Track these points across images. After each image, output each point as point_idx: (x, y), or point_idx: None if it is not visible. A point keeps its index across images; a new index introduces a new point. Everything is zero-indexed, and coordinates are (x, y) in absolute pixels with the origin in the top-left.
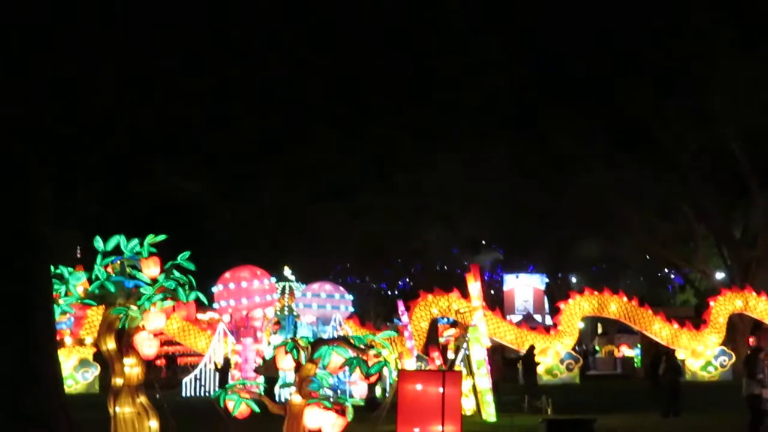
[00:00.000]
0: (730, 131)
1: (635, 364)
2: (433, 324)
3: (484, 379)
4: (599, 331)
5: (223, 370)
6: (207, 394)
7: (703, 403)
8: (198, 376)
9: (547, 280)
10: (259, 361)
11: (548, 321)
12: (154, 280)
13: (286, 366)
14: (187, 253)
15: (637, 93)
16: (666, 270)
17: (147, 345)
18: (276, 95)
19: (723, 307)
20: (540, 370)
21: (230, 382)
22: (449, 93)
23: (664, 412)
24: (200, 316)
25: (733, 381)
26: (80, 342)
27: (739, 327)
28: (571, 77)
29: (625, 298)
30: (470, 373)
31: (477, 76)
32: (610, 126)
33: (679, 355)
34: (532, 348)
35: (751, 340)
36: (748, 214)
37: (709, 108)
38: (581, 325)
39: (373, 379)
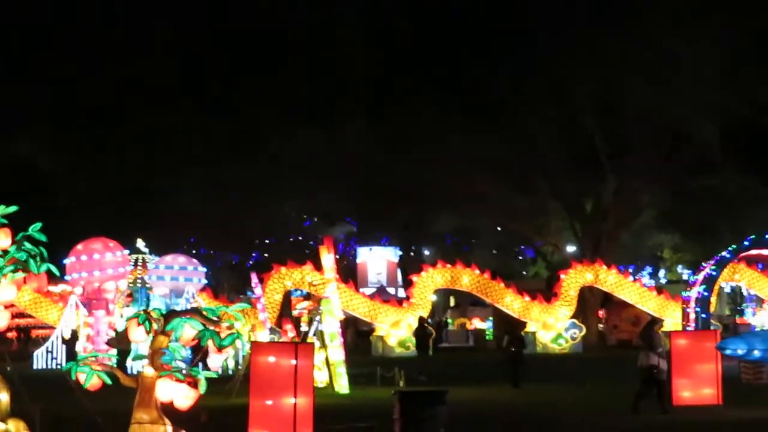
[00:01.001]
0: (583, 106)
1: (487, 337)
2: (287, 296)
3: (337, 352)
4: (452, 303)
5: (70, 343)
6: (58, 366)
7: (551, 375)
8: (49, 349)
9: (400, 252)
10: (112, 334)
11: (401, 293)
12: (5, 252)
13: (138, 338)
14: (38, 225)
15: (493, 67)
16: (518, 243)
17: None
18: (138, 65)
19: (574, 280)
20: (393, 342)
21: (80, 354)
22: (306, 66)
23: (514, 383)
24: (52, 288)
25: (584, 353)
26: None
27: (589, 300)
28: (428, 50)
29: (477, 271)
30: (323, 345)
31: (333, 49)
32: (466, 99)
33: (530, 327)
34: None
35: (600, 312)
36: (599, 189)
37: (564, 83)
38: (434, 297)
39: (225, 351)
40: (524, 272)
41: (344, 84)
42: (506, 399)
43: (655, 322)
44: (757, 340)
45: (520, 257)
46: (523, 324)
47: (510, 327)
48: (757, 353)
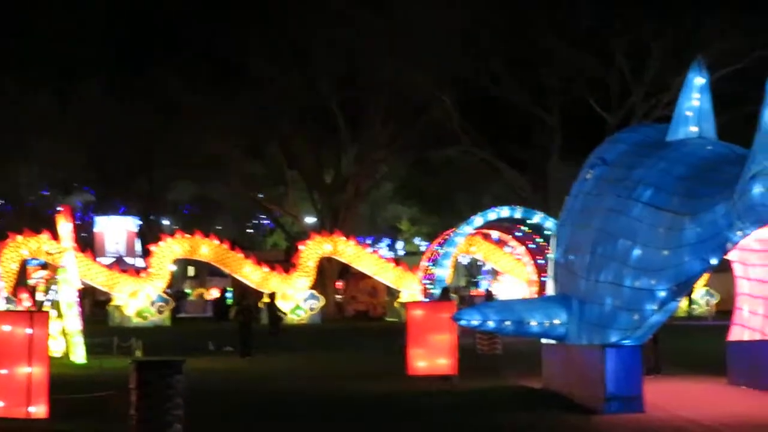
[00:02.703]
0: (323, 74)
1: None
2: (23, 265)
3: (73, 321)
4: (191, 273)
5: None
6: None
7: (289, 345)
8: None
9: (139, 222)
10: None
11: (140, 263)
12: None
13: None
14: None
15: (231, 34)
16: (258, 214)
17: None
18: None
19: (312, 251)
20: (130, 312)
21: None
22: (46, 28)
23: (242, 353)
24: None
25: (322, 324)
26: None
27: (327, 271)
28: (166, 14)
29: (216, 241)
30: (60, 314)
31: (72, 12)
32: (205, 67)
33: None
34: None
35: (339, 283)
36: (339, 160)
37: (303, 49)
38: (172, 267)
39: None
40: (263, 242)
41: (83, 49)
42: (241, 368)
43: (447, 292)
44: (492, 312)
45: (260, 228)
46: (261, 294)
47: (242, 297)
48: (491, 324)
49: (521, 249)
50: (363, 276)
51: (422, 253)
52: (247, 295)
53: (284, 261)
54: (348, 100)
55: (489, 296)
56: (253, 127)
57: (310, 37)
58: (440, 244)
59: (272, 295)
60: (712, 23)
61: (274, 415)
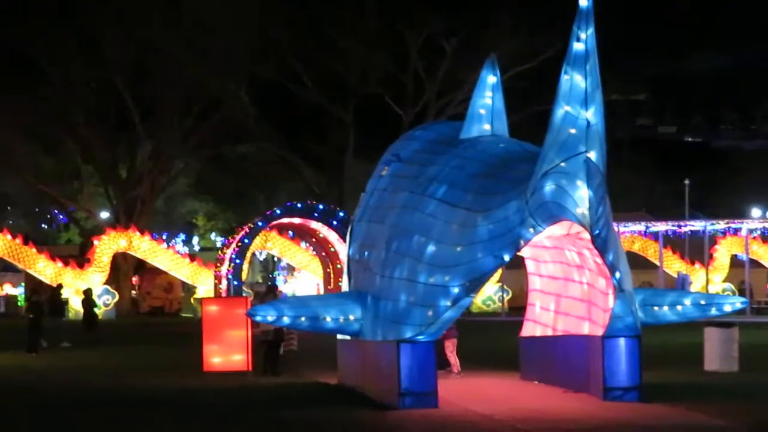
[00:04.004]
0: (116, 68)
1: (19, 303)
2: None
3: None
4: None
5: None
6: None
7: (82, 341)
8: None
9: None
10: None
11: None
12: None
13: None
14: None
15: (21, 26)
16: (51, 208)
17: None
18: None
19: (107, 246)
20: None
21: None
22: None
23: (29, 349)
24: None
25: (116, 319)
26: None
27: (122, 266)
28: None
29: (9, 236)
30: None
31: None
32: None
33: (64, 293)
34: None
35: (134, 279)
36: (134, 155)
37: (96, 42)
38: None
39: None
40: (58, 237)
41: None
42: (37, 364)
43: (274, 289)
44: (287, 307)
45: (53, 222)
46: (57, 290)
47: (31, 293)
48: (286, 320)
49: (317, 245)
50: (158, 271)
51: (218, 248)
52: (38, 290)
53: (79, 256)
54: (143, 94)
55: (272, 291)
56: (45, 121)
57: (101, 29)
58: (237, 240)
59: (87, 291)
60: (501, 22)
61: (70, 409)
